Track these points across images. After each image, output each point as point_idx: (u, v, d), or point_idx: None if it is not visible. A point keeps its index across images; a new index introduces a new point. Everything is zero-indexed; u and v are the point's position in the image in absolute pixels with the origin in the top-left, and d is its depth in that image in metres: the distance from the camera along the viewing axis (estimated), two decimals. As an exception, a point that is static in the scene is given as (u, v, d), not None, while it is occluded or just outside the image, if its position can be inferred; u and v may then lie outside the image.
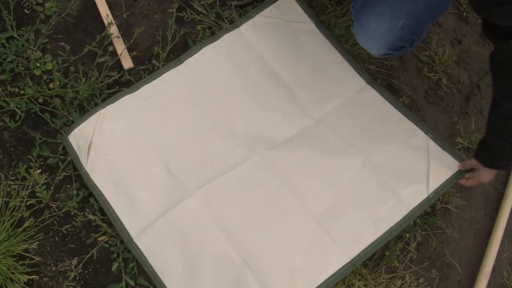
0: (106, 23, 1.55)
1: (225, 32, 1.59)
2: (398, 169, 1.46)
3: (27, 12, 1.57)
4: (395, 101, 1.55)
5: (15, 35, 1.52)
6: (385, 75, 1.63)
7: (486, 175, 1.37)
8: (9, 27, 1.53)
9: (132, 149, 1.44)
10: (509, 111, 1.20)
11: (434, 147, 1.50)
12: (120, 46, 1.55)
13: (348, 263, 1.33)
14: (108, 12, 1.59)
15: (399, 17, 1.31)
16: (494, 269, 1.47)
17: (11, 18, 1.54)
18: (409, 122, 1.52)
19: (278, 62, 1.57)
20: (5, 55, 1.49)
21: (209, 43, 1.57)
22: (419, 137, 1.51)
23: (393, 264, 1.42)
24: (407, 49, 1.39)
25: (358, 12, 1.38)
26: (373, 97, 1.55)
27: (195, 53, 1.56)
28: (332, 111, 1.52)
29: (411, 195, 1.43)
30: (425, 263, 1.45)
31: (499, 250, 1.48)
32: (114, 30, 1.56)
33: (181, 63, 1.55)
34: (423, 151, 1.49)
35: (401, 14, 1.31)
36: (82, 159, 1.41)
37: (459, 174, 1.46)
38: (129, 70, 1.55)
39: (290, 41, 1.60)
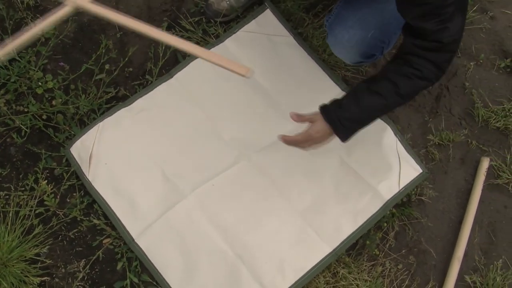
0: None
1: (211, 46, 1.69)
2: (372, 165, 1.57)
3: (27, 35, 1.68)
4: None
5: (17, 57, 1.62)
6: (361, 80, 1.70)
7: (318, 134, 1.27)
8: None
9: (130, 157, 1.53)
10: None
11: (401, 149, 1.61)
12: None
13: (331, 252, 1.45)
14: None
15: (369, 28, 1.42)
16: (466, 254, 1.56)
17: (12, 42, 1.65)
18: (381, 122, 1.62)
19: (260, 73, 1.66)
20: (8, 76, 1.59)
21: (196, 58, 1.66)
22: (389, 137, 1.62)
23: (374, 253, 1.52)
24: (378, 56, 1.51)
25: (331, 25, 1.50)
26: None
27: (184, 67, 1.66)
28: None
29: (386, 188, 1.54)
30: (403, 251, 1.56)
31: (470, 236, 1.58)
32: None
33: (171, 77, 1.65)
34: (393, 150, 1.60)
35: (371, 26, 1.42)
36: (84, 169, 1.51)
37: (422, 176, 1.58)
38: (125, 85, 1.64)
39: (270, 53, 1.70)
